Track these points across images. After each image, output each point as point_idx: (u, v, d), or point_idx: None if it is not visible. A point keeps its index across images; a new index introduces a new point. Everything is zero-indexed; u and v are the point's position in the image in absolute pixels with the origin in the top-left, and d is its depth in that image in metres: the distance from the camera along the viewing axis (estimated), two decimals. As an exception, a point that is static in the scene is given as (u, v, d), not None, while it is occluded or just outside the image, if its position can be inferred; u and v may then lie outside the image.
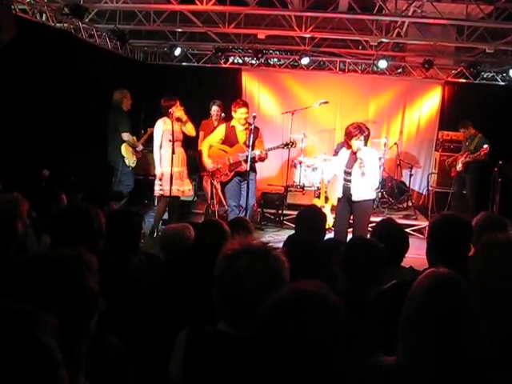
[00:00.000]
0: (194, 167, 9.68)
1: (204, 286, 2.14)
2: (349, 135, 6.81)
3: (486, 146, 9.79)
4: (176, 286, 2.80)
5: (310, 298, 1.63)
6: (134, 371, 2.21)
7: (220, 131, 8.37)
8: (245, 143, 8.02)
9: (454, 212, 3.71)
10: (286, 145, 8.51)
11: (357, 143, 6.74)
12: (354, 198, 6.83)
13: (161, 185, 8.14)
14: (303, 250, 3.12)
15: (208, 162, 8.20)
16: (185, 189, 8.37)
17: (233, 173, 8.11)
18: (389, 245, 3.28)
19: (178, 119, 8.08)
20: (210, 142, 8.33)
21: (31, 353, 1.19)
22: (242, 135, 8.10)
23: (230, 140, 8.16)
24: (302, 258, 3.00)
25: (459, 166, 10.41)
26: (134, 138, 9.02)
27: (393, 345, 1.92)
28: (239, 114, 8.02)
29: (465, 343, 1.79)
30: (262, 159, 8.17)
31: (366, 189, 6.84)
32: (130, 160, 8.92)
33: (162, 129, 8.10)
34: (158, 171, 8.15)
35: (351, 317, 1.64)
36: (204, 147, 8.40)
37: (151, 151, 8.49)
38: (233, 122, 8.20)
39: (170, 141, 7.90)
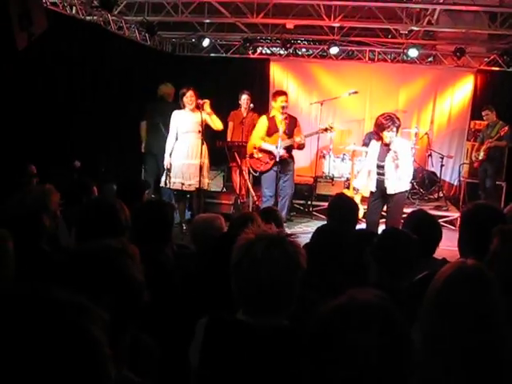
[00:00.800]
0: (223, 158, 9.68)
1: (228, 277, 2.14)
2: (380, 127, 6.71)
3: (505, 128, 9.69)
4: (204, 276, 2.81)
5: (375, 311, 1.53)
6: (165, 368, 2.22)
7: (263, 124, 8.48)
8: (284, 132, 8.15)
9: (486, 201, 3.63)
10: (326, 130, 8.67)
11: (389, 135, 6.64)
12: (390, 191, 6.76)
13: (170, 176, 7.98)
14: (333, 240, 3.09)
15: (272, 148, 8.14)
16: (191, 182, 8.00)
17: (273, 161, 8.16)
18: (421, 236, 3.23)
19: (197, 108, 7.88)
20: (259, 136, 8.40)
21: (82, 346, 1.19)
22: (282, 125, 8.18)
23: (272, 130, 8.28)
24: (332, 248, 2.97)
25: (481, 155, 10.19)
26: None
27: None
28: (279, 102, 8.18)
29: (488, 337, 1.74)
30: (300, 147, 8.42)
31: (400, 181, 6.76)
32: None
33: (175, 119, 7.97)
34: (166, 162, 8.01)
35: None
36: (258, 142, 8.39)
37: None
38: (272, 112, 8.39)
39: (186, 132, 7.89)
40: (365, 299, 1.55)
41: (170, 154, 7.97)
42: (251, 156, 8.47)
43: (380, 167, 6.83)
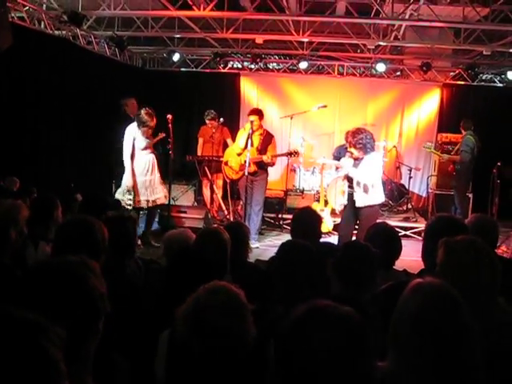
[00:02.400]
0: (194, 172, 9.70)
1: (192, 291, 2.16)
2: (346, 140, 6.95)
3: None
4: (169, 289, 2.82)
5: (329, 314, 1.63)
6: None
7: (240, 136, 8.68)
8: (257, 148, 8.43)
9: (449, 214, 3.71)
10: (290, 154, 8.85)
11: (351, 150, 6.80)
12: (358, 204, 6.85)
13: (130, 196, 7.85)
14: (296, 254, 3.13)
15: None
16: (160, 196, 8.06)
17: (242, 172, 8.37)
18: (381, 248, 3.29)
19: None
20: (239, 147, 8.55)
21: (39, 364, 1.21)
22: (256, 139, 8.44)
23: (247, 143, 8.46)
24: (296, 262, 3.01)
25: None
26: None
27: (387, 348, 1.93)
28: (247, 126, 8.43)
29: (453, 356, 1.78)
30: (268, 164, 8.64)
31: (368, 195, 6.82)
32: None
33: (132, 135, 7.87)
34: (129, 183, 7.84)
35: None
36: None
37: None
38: (246, 127, 8.53)
39: (144, 148, 7.89)
40: (330, 305, 1.66)
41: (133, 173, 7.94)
42: (226, 163, 8.63)
43: (350, 180, 6.93)
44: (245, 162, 8.19)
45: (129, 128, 7.90)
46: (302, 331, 1.61)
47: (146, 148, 7.89)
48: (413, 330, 1.84)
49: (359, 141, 6.66)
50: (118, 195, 7.93)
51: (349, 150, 6.85)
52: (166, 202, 8.09)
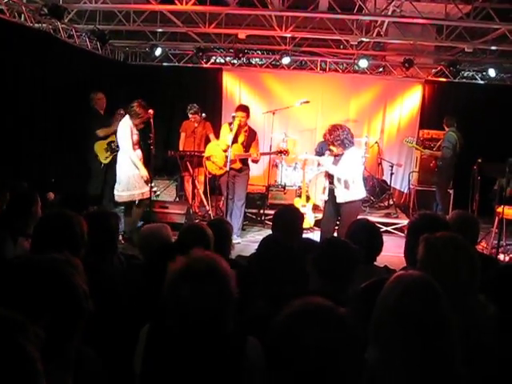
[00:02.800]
0: (175, 167, 9.66)
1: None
2: (327, 142, 6.93)
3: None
4: (151, 286, 2.81)
5: (321, 311, 1.64)
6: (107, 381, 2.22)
7: (224, 132, 8.66)
8: (242, 143, 8.50)
9: (432, 211, 3.74)
10: (280, 152, 9.00)
11: (330, 147, 6.88)
12: (339, 200, 6.89)
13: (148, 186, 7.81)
14: (277, 250, 3.13)
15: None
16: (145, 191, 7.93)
17: (226, 168, 8.31)
18: (362, 244, 3.29)
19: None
20: (225, 143, 8.45)
21: (15, 363, 1.20)
22: (241, 136, 8.51)
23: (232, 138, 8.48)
24: (276, 258, 3.01)
25: None
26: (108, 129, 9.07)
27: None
28: (238, 117, 8.40)
29: (435, 347, 1.79)
30: (254, 161, 8.73)
31: (349, 190, 6.85)
32: (102, 157, 8.99)
33: (130, 128, 7.75)
34: (143, 173, 7.77)
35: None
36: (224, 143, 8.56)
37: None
38: (234, 123, 8.46)
39: (136, 143, 7.83)
40: (317, 303, 1.66)
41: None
42: (208, 158, 8.60)
43: (331, 177, 6.95)
44: (230, 158, 8.19)
45: (124, 121, 7.78)
46: (295, 330, 1.61)
47: (138, 142, 7.82)
48: (394, 322, 1.85)
49: (337, 137, 6.70)
50: (135, 190, 7.79)
51: (328, 148, 6.89)
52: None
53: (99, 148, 9.03)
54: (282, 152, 8.92)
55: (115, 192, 7.90)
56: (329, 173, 6.98)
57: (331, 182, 6.97)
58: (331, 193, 7.00)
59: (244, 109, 8.57)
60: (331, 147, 6.82)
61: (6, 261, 3.41)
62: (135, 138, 7.78)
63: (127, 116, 7.80)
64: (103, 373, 2.07)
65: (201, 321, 2.03)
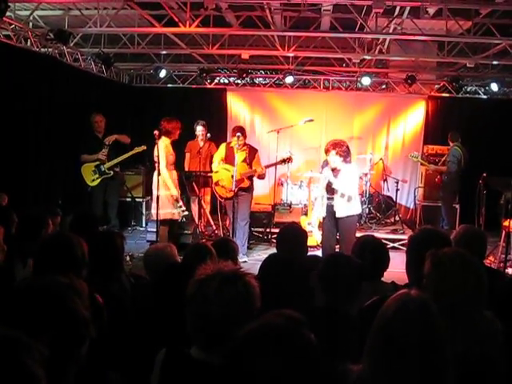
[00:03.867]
0: (182, 187, 9.69)
1: (181, 307, 2.17)
2: (325, 152, 7.06)
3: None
4: (158, 306, 2.83)
5: (279, 334, 1.61)
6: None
7: (221, 150, 8.79)
8: (245, 161, 8.55)
9: (433, 227, 3.74)
10: (284, 161, 8.97)
11: (330, 159, 6.95)
12: (338, 214, 6.96)
13: (180, 206, 7.85)
14: (280, 267, 3.15)
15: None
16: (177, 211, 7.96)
17: (237, 189, 8.41)
18: (368, 260, 3.31)
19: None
20: (218, 160, 8.74)
21: (20, 381, 1.21)
22: (240, 155, 8.53)
23: (229, 159, 8.56)
24: (279, 275, 3.02)
25: None
26: (100, 155, 9.13)
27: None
28: (233, 142, 8.53)
29: (427, 370, 1.78)
30: (261, 176, 8.84)
31: (347, 205, 6.94)
32: (88, 180, 9.06)
33: (165, 149, 7.72)
34: (174, 192, 7.76)
35: (327, 331, 1.66)
36: (214, 163, 8.79)
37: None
38: (232, 143, 8.60)
39: (172, 164, 7.84)
40: (272, 325, 1.63)
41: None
42: (217, 184, 8.62)
43: (328, 192, 7.04)
44: (236, 177, 8.27)
45: (163, 141, 7.70)
46: (243, 352, 1.60)
47: (173, 163, 7.86)
48: (382, 338, 1.85)
49: (345, 150, 6.91)
50: (168, 209, 7.77)
51: (330, 158, 6.94)
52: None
53: (85, 171, 9.09)
54: (285, 160, 8.92)
55: (152, 211, 7.94)
56: (328, 187, 7.01)
57: (330, 198, 7.03)
58: (329, 209, 7.05)
59: (237, 131, 8.54)
60: (335, 157, 6.87)
61: (11, 284, 3.44)
62: (171, 158, 7.80)
63: (164, 138, 7.75)
64: None
65: (218, 323, 2.01)
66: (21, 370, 1.22)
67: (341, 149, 6.88)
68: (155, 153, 7.63)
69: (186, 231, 8.87)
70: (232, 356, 1.63)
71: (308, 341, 1.63)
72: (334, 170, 6.98)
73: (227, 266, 2.19)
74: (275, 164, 9.20)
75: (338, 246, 7.29)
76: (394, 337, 1.81)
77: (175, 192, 7.77)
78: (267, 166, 8.96)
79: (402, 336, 1.80)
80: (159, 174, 7.66)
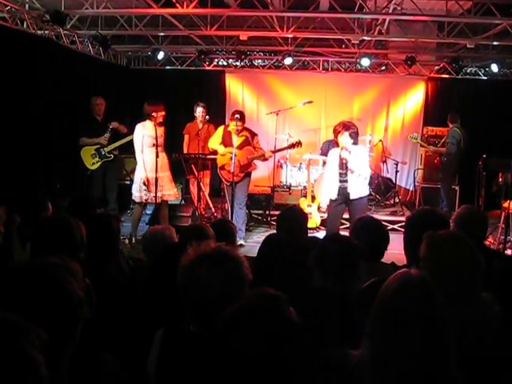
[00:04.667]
0: (180, 170, 9.67)
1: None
2: (334, 133, 7.00)
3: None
4: (156, 286, 2.83)
5: (259, 314, 1.65)
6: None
7: (218, 134, 8.65)
8: (249, 144, 8.46)
9: (430, 207, 3.74)
10: (293, 145, 8.85)
11: (342, 140, 6.86)
12: (352, 196, 6.95)
13: (145, 190, 7.91)
14: (279, 248, 3.14)
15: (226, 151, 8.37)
16: (170, 193, 8.17)
17: (244, 173, 8.42)
18: (368, 241, 3.30)
19: (161, 124, 7.96)
20: (214, 140, 8.62)
21: (19, 366, 1.20)
22: (238, 139, 8.38)
23: (226, 142, 8.43)
24: (278, 256, 3.02)
25: None
26: (102, 139, 9.10)
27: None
28: (231, 126, 8.35)
29: (430, 346, 1.77)
30: (265, 160, 8.91)
31: (361, 186, 6.97)
32: (88, 163, 9.03)
33: (141, 133, 7.92)
34: (142, 175, 7.90)
35: (323, 311, 1.67)
36: (214, 145, 8.61)
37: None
38: (230, 127, 8.44)
39: (152, 145, 7.82)
40: (252, 305, 1.69)
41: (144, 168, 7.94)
42: (222, 168, 8.51)
43: (341, 174, 6.99)
44: (243, 161, 8.30)
45: (138, 126, 7.97)
46: (228, 334, 1.65)
47: (152, 145, 7.83)
48: (383, 318, 1.84)
49: (356, 130, 6.95)
50: (136, 193, 7.99)
51: (343, 139, 6.88)
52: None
53: (85, 154, 9.06)
54: (295, 145, 8.85)
55: (136, 194, 8.08)
56: (342, 169, 6.98)
57: (343, 180, 6.99)
58: (342, 191, 7.00)
59: (238, 117, 8.32)
60: (347, 140, 6.84)
61: (6, 266, 3.44)
62: (148, 140, 7.85)
63: (143, 122, 7.95)
64: (124, 375, 2.07)
65: (217, 301, 2.04)
66: (20, 354, 1.22)
67: (353, 130, 6.88)
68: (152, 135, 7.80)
69: (184, 214, 8.87)
70: (218, 337, 1.67)
71: (288, 318, 1.67)
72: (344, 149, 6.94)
73: (208, 247, 2.23)
74: (284, 149, 9.16)
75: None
76: (396, 315, 1.81)
77: (143, 174, 7.87)
78: (276, 151, 8.99)
79: (403, 314, 1.80)
80: (157, 157, 7.68)
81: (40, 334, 1.30)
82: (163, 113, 7.94)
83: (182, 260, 2.19)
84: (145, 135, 7.90)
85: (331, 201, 7.18)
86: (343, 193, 6.99)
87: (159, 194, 7.87)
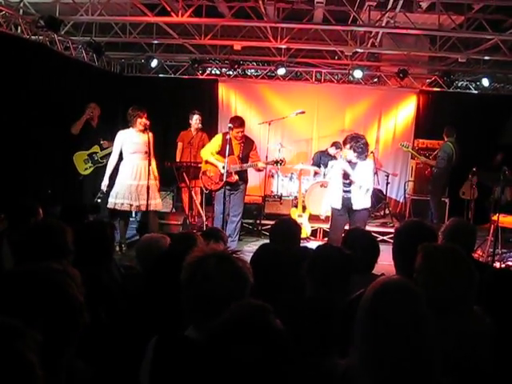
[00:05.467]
0: (172, 178, 9.67)
1: (173, 295, 2.20)
2: (344, 143, 7.11)
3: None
4: (149, 295, 2.83)
5: (246, 325, 1.68)
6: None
7: (217, 140, 8.48)
8: (238, 156, 8.29)
9: (419, 219, 3.76)
10: (276, 162, 8.75)
11: (344, 151, 6.99)
12: (355, 206, 7.00)
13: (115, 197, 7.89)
14: (272, 258, 3.16)
15: (219, 165, 8.23)
16: (141, 203, 7.87)
17: (223, 182, 8.21)
18: (359, 252, 3.32)
19: (144, 130, 7.87)
20: (211, 150, 8.44)
21: (14, 368, 1.21)
22: (237, 148, 8.32)
23: (224, 150, 8.20)
24: (271, 265, 3.03)
25: None
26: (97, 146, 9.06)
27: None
28: (235, 132, 8.20)
29: (408, 350, 1.77)
30: (260, 170, 8.83)
31: (364, 197, 7.03)
32: (80, 168, 9.02)
33: (120, 139, 7.90)
34: (105, 182, 7.99)
35: (315, 322, 1.70)
36: (206, 155, 8.46)
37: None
38: (230, 135, 8.28)
39: (133, 152, 7.84)
40: (239, 315, 1.72)
41: (110, 177, 7.94)
42: (204, 173, 8.49)
43: (345, 185, 7.05)
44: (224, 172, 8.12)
45: (119, 133, 7.96)
46: (222, 340, 1.67)
47: (134, 152, 7.84)
48: (367, 321, 1.85)
49: (361, 146, 6.89)
50: (111, 199, 7.90)
51: (344, 152, 6.97)
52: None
53: (78, 159, 9.04)
54: (278, 162, 8.82)
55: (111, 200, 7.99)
56: (345, 180, 7.04)
57: (346, 191, 7.04)
58: (346, 201, 7.06)
59: (241, 123, 8.28)
60: (349, 152, 6.89)
61: (2, 270, 3.42)
62: (130, 148, 7.85)
63: (125, 129, 7.95)
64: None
65: (222, 300, 2.05)
66: (15, 357, 1.22)
67: (356, 144, 6.88)
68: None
69: (175, 222, 8.86)
70: (210, 346, 1.70)
71: (274, 327, 1.70)
72: (349, 162, 6.99)
73: (218, 247, 2.30)
74: (268, 163, 9.00)
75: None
76: (377, 319, 1.82)
77: (104, 182, 7.94)
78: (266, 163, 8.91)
79: (384, 317, 1.80)
80: (149, 165, 7.69)
81: (35, 337, 1.30)
82: (144, 120, 7.81)
83: (187, 259, 2.22)
84: (125, 142, 7.87)
85: (335, 210, 7.22)
86: (346, 203, 7.06)
87: (136, 203, 7.85)
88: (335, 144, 10.82)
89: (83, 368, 2.01)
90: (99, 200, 8.05)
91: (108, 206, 7.95)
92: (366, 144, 7.04)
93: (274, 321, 1.72)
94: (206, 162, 8.46)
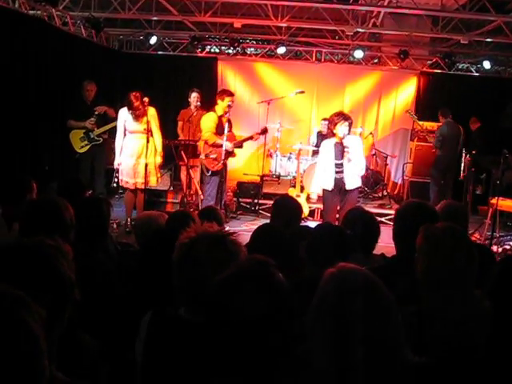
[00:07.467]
0: (170, 157, 9.63)
1: (167, 272, 2.19)
2: (332, 123, 6.96)
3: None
4: (144, 272, 2.82)
5: (250, 277, 1.69)
6: (107, 368, 2.22)
7: (214, 119, 8.38)
8: (230, 130, 8.33)
9: (419, 200, 3.73)
10: (263, 132, 8.77)
11: (341, 129, 6.84)
12: (348, 186, 6.98)
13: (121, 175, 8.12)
14: (271, 237, 3.14)
15: (228, 145, 8.22)
16: (137, 181, 7.96)
17: (223, 162, 8.24)
18: (360, 233, 3.30)
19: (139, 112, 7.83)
20: (212, 130, 8.32)
21: (21, 339, 1.20)
22: (226, 125, 8.27)
23: (219, 128, 8.27)
24: (271, 245, 3.02)
25: None
26: (87, 123, 8.97)
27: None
28: (226, 101, 8.19)
29: (357, 342, 1.67)
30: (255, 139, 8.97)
31: (356, 177, 7.03)
32: (76, 146, 8.97)
33: (123, 116, 7.92)
34: (117, 160, 8.04)
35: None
36: (213, 138, 8.31)
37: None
38: (218, 112, 8.27)
39: (132, 132, 7.89)
40: (244, 269, 1.74)
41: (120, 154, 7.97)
42: (207, 156, 8.38)
43: (338, 165, 6.99)
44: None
45: (120, 110, 7.96)
46: (225, 291, 1.68)
47: (133, 132, 7.84)
48: (316, 313, 1.79)
49: (351, 120, 6.96)
50: (120, 176, 8.11)
51: (342, 129, 6.85)
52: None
53: (74, 137, 8.98)
54: (263, 131, 8.79)
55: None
56: (339, 160, 6.98)
57: (338, 172, 7.00)
58: (338, 182, 7.01)
59: (231, 93, 8.40)
60: (345, 130, 6.84)
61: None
62: (130, 127, 7.83)
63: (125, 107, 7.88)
64: (101, 356, 2.06)
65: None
66: (21, 326, 1.21)
67: (350, 121, 6.91)
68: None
69: (173, 200, 8.85)
70: (212, 304, 1.70)
71: (277, 279, 1.73)
72: (341, 143, 6.94)
73: (211, 228, 2.22)
74: (254, 135, 8.89)
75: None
76: (323, 308, 1.75)
77: (118, 160, 8.01)
78: (256, 134, 8.83)
79: (330, 307, 1.73)
80: (148, 142, 7.68)
81: (39, 311, 1.30)
82: (137, 103, 7.73)
83: (179, 238, 2.17)
84: (127, 120, 7.88)
85: (327, 192, 7.15)
86: (338, 183, 7.02)
87: (132, 181, 7.92)
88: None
89: (90, 342, 2.03)
90: (116, 180, 8.10)
91: (120, 183, 8.21)
92: (352, 121, 7.08)
93: (278, 273, 1.74)
94: (211, 144, 8.35)
